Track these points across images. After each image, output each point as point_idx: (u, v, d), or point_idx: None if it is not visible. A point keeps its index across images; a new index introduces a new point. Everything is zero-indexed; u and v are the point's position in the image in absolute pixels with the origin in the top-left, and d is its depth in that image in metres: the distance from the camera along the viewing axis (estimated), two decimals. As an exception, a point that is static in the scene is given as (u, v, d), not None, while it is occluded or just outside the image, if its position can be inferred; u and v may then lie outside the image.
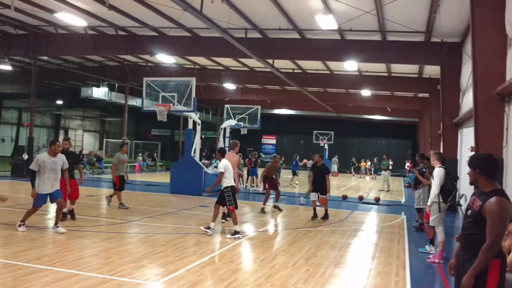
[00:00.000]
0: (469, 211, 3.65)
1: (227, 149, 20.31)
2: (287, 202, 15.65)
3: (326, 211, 11.96)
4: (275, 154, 14.46)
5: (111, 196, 12.47)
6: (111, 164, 28.88)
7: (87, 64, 27.39)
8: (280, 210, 12.93)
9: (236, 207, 9.17)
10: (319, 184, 12.11)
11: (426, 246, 8.54)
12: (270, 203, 13.57)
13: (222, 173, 9.02)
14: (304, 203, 14.85)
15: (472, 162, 3.67)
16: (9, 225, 8.86)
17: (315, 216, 11.79)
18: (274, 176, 13.75)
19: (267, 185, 13.43)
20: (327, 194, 12.07)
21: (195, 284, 5.77)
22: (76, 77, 29.18)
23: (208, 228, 9.08)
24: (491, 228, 3.36)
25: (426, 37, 15.33)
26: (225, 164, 9.14)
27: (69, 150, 9.99)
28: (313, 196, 12.17)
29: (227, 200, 9.02)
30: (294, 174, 23.31)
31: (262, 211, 12.67)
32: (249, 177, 20.22)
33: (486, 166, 3.57)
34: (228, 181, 9.08)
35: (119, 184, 12.18)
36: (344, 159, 36.71)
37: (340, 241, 9.14)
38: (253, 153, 21.75)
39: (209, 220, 9.35)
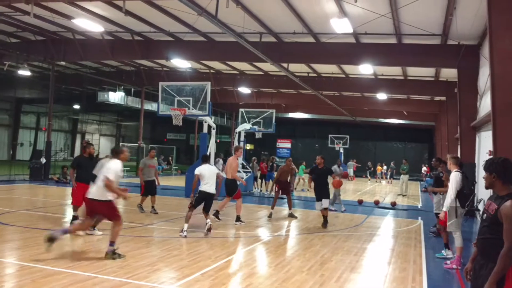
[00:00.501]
0: (485, 215, 3.62)
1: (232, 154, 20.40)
2: (301, 206, 15.60)
3: (325, 217, 11.29)
4: (289, 157, 14.01)
5: (152, 206, 12.04)
6: (127, 168, 29.39)
7: (103, 69, 27.74)
8: (294, 217, 12.36)
9: (193, 208, 9.31)
10: (321, 189, 11.37)
11: (443, 251, 8.43)
12: (282, 207, 13.49)
13: (197, 176, 9.40)
14: (344, 209, 14.36)
15: (488, 166, 3.64)
16: (28, 228, 9.00)
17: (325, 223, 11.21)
18: (288, 179, 13.12)
19: (276, 188, 12.80)
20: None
21: (210, 288, 5.78)
22: (93, 82, 29.55)
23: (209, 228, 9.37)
24: (508, 232, 3.29)
25: (442, 40, 15.18)
26: (199, 169, 9.53)
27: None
28: (318, 205, 11.38)
29: (190, 201, 9.37)
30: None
31: (269, 216, 12.16)
32: (265, 181, 20.18)
33: (502, 170, 3.55)
34: (201, 186, 9.37)
35: (144, 189, 12.05)
36: (360, 163, 36.44)
37: (356, 246, 9.07)
38: (271, 157, 21.71)
39: (224, 223, 9.39)
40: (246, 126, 21.48)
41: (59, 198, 14.97)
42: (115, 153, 7.37)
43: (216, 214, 10.95)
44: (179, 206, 14.02)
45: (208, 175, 9.46)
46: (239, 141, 21.02)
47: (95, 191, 7.05)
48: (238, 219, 10.96)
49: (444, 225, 8.29)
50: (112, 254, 6.90)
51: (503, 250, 3.27)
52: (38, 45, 20.25)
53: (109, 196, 6.96)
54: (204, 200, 9.38)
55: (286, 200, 13.27)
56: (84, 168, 9.19)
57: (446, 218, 7.82)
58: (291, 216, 12.44)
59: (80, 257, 6.96)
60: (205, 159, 10.00)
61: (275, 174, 14.36)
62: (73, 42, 19.19)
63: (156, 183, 12.40)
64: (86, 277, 5.90)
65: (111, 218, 7.11)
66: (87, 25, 15.22)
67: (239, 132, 20.96)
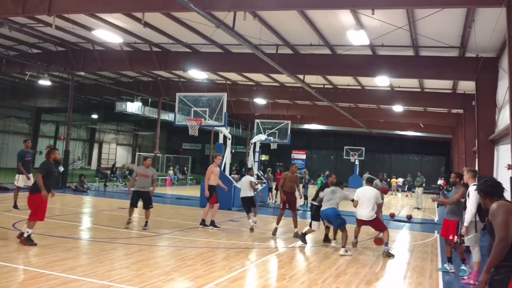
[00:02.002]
0: None
1: (252, 164, 20.36)
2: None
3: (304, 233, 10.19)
4: (294, 163, 13.49)
5: (146, 222, 10.94)
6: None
7: (122, 79, 28.15)
8: (304, 241, 10.16)
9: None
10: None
11: (445, 265, 8.31)
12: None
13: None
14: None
15: (476, 189, 4.16)
16: (45, 236, 9.12)
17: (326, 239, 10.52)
18: (295, 189, 11.34)
19: (282, 200, 11.24)
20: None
21: (224, 299, 5.77)
22: (111, 92, 30.01)
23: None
24: (496, 226, 3.67)
25: (460, 52, 15.06)
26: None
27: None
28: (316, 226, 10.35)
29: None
30: None
31: (274, 233, 10.96)
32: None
33: (486, 189, 4.01)
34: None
35: (131, 200, 10.93)
36: (375, 175, 36.06)
37: (371, 259, 8.98)
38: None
39: (238, 234, 9.37)
40: (262, 137, 21.53)
41: (76, 206, 15.17)
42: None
43: (212, 223, 11.58)
44: (194, 216, 14.06)
45: (242, 184, 11.92)
46: (254, 151, 21.05)
47: (368, 214, 9.57)
48: (212, 223, 11.54)
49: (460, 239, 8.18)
50: (388, 254, 9.22)
51: (495, 241, 3.63)
52: (58, 56, 20.68)
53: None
54: (244, 204, 11.71)
55: (301, 211, 13.09)
56: (50, 176, 8.60)
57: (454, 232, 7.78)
58: (297, 236, 10.57)
59: (95, 265, 7.03)
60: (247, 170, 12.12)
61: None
62: (93, 52, 19.56)
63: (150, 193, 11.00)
64: (101, 285, 5.96)
65: (381, 229, 9.69)
66: (107, 36, 15.50)
67: (254, 143, 21.01)
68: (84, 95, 31.93)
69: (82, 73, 23.25)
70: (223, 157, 17.02)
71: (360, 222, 9.89)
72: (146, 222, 10.82)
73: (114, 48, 19.31)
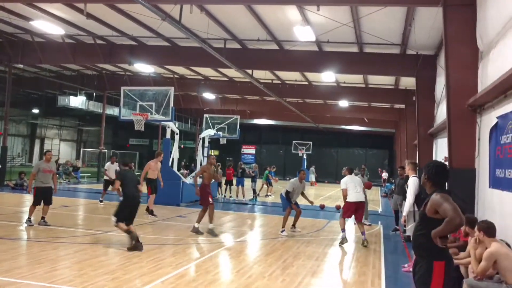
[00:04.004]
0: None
1: (201, 159, 20.26)
2: (265, 212, 15.64)
3: None
4: (210, 154, 13.88)
5: (42, 218, 10.57)
6: (88, 174, 28.64)
7: (64, 72, 27.02)
8: (215, 235, 10.17)
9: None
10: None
11: None
12: (244, 213, 13.44)
13: None
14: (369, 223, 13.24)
15: (424, 167, 4.04)
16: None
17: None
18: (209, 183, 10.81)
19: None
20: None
21: (170, 296, 5.70)
22: (53, 86, 28.73)
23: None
24: (445, 211, 3.60)
25: (401, 50, 15.64)
26: None
27: None
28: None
29: None
30: (270, 184, 23.09)
31: (196, 230, 10.29)
32: (229, 187, 20.20)
33: (433, 173, 3.92)
34: None
35: (35, 198, 10.49)
36: (322, 169, 37.00)
37: (317, 251, 9.17)
38: (239, 162, 21.75)
39: (186, 230, 9.27)
40: (211, 132, 21.42)
41: (15, 205, 14.46)
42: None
43: (151, 212, 12.93)
44: (141, 213, 13.74)
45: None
46: (203, 146, 20.90)
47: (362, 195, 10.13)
48: (151, 212, 12.93)
49: None
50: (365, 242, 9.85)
51: (446, 219, 3.57)
52: (-6, 47, 19.54)
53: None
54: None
55: (250, 205, 13.09)
56: None
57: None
58: (211, 233, 10.23)
59: (34, 266, 6.72)
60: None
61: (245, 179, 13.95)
62: (32, 44, 18.61)
63: (54, 191, 10.85)
64: (40, 287, 5.71)
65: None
66: (47, 27, 14.80)
67: (203, 138, 20.85)
68: (23, 88, 30.43)
69: (21, 66, 22.15)
70: (171, 152, 16.84)
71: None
72: (43, 217, 10.52)
73: (55, 40, 18.46)
